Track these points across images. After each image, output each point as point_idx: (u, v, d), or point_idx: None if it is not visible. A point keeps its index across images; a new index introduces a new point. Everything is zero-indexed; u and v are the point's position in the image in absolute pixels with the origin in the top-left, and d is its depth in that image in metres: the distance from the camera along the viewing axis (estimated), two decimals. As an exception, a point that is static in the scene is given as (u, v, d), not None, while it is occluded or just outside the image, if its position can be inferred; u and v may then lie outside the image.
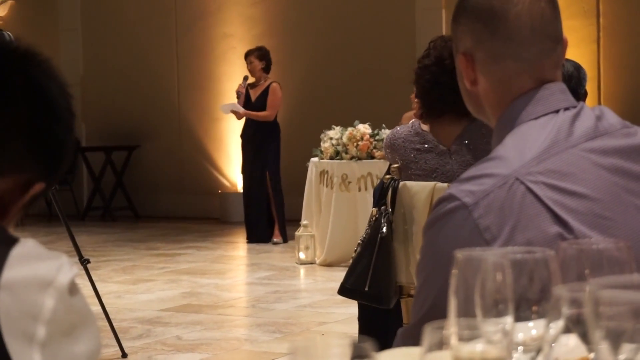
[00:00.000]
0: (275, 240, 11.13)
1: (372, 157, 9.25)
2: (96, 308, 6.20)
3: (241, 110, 11.08)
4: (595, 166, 1.87)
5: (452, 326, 1.10)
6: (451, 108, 4.24)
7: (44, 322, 1.37)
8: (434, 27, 11.75)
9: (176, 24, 14.41)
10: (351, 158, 9.29)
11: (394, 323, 4.26)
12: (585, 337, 1.22)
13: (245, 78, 11.36)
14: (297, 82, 13.01)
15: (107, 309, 6.18)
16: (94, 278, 6.20)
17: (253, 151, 11.20)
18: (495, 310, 1.20)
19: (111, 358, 6.04)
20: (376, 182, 8.45)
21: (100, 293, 6.20)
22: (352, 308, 5.66)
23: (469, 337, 1.10)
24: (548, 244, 1.63)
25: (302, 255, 9.55)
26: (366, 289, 4.15)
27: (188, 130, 14.36)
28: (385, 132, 9.03)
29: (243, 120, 11.36)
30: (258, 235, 11.21)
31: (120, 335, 6.12)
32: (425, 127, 4.40)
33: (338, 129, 9.51)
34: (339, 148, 9.35)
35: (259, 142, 11.14)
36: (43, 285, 1.38)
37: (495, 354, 1.11)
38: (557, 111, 1.94)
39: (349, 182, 9.21)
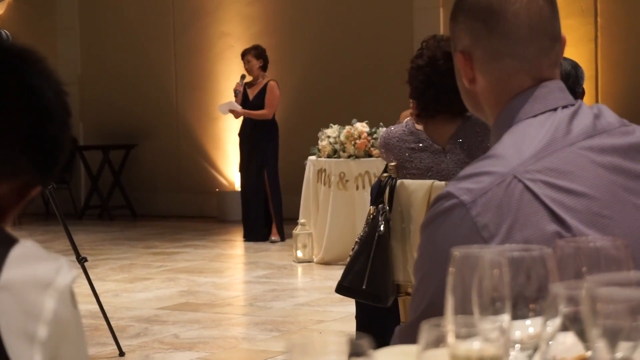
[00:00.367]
0: (273, 238, 11.14)
1: (370, 156, 9.25)
2: (94, 306, 6.20)
3: (239, 108, 11.08)
4: (593, 164, 1.87)
5: (449, 324, 1.10)
6: (445, 108, 4.25)
7: (45, 322, 1.37)
8: (431, 25, 11.76)
9: (174, 22, 14.41)
10: (349, 156, 9.29)
11: (391, 321, 4.26)
12: (582, 335, 1.22)
13: (243, 77, 11.36)
14: (295, 80, 13.01)
15: (105, 307, 6.18)
16: (91, 277, 6.20)
17: (251, 150, 11.20)
18: (492, 308, 1.20)
19: (109, 357, 6.04)
20: (374, 180, 8.45)
21: (97, 291, 6.20)
22: (349, 306, 5.67)
23: (466, 334, 1.10)
24: (546, 242, 1.63)
25: (299, 254, 9.54)
26: (364, 287, 4.15)
27: (186, 129, 14.36)
28: (383, 131, 9.03)
29: (241, 119, 11.37)
30: (255, 233, 11.21)
31: (117, 334, 6.12)
32: (419, 127, 4.40)
33: (336, 127, 9.51)
34: (337, 146, 9.35)
35: (257, 140, 11.14)
36: (42, 286, 1.38)
37: (493, 351, 1.11)
38: (555, 109, 1.94)
39: (347, 181, 9.21)
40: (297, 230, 9.56)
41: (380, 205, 4.13)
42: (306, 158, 9.72)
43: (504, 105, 1.99)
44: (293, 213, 10.40)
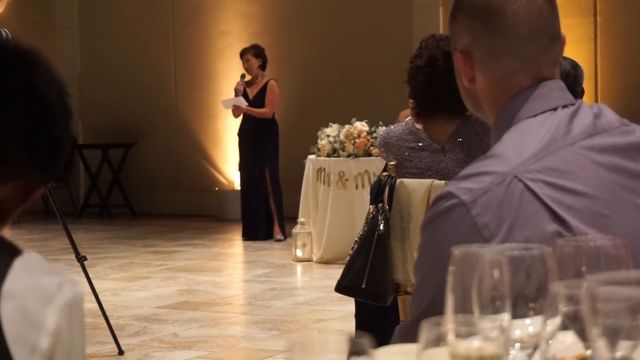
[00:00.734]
0: (277, 237, 11.14)
1: (370, 155, 9.25)
2: (93, 305, 6.20)
3: (244, 105, 11.07)
4: (593, 164, 1.87)
5: (449, 323, 1.10)
6: (445, 107, 4.26)
7: (47, 333, 1.38)
8: (431, 24, 11.76)
9: (173, 21, 14.41)
10: (348, 155, 9.29)
11: (391, 320, 4.26)
12: (582, 334, 1.22)
13: (243, 76, 11.36)
14: (295, 79, 13.00)
15: (104, 306, 6.18)
16: (90, 275, 6.20)
17: (252, 148, 11.20)
18: (492, 307, 1.20)
19: (108, 355, 6.04)
20: (373, 179, 8.45)
21: (97, 290, 6.20)
22: (349, 305, 5.67)
23: (466, 333, 1.10)
24: (546, 242, 1.63)
25: (299, 253, 9.55)
26: (363, 286, 4.15)
27: (185, 128, 14.36)
28: (382, 130, 9.03)
29: (240, 118, 11.37)
30: (255, 232, 11.21)
31: (116, 333, 6.12)
32: (419, 126, 4.40)
33: (335, 126, 9.51)
34: (336, 145, 9.35)
35: (258, 139, 11.14)
36: (45, 299, 1.39)
37: (492, 350, 1.11)
38: (555, 109, 1.94)
39: (346, 180, 9.21)
40: (297, 229, 9.56)
41: (379, 205, 4.13)
42: (305, 157, 9.72)
43: (503, 105, 1.99)
44: (292, 212, 10.40)
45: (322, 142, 9.46)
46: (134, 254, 10.44)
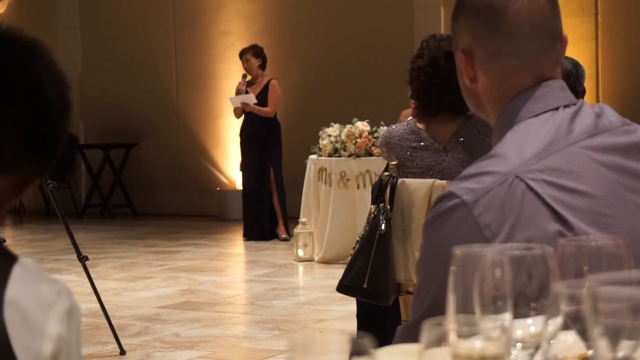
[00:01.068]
0: (282, 236, 11.14)
1: (371, 155, 9.25)
2: (94, 305, 6.20)
3: (252, 102, 11.07)
4: (595, 163, 1.87)
5: (450, 323, 1.10)
6: (447, 107, 4.26)
7: (50, 340, 1.38)
8: (432, 24, 11.76)
9: (174, 21, 14.41)
10: (349, 155, 9.29)
11: (392, 320, 4.26)
12: (583, 334, 1.22)
13: (244, 76, 11.35)
14: (296, 79, 13.00)
15: (106, 306, 6.18)
16: (92, 275, 6.20)
17: (255, 149, 11.20)
18: (493, 306, 1.20)
19: (109, 355, 6.04)
20: (374, 179, 8.45)
21: (98, 290, 6.20)
22: (350, 305, 5.67)
23: (467, 333, 1.10)
24: (548, 242, 1.62)
25: (300, 253, 9.55)
26: (365, 286, 4.15)
27: (186, 128, 14.36)
28: (383, 130, 9.03)
29: (241, 118, 11.37)
30: (258, 232, 11.21)
31: (118, 333, 6.12)
32: (420, 125, 4.40)
33: (336, 126, 9.50)
34: (338, 145, 9.35)
35: (262, 139, 11.15)
36: (45, 306, 1.40)
37: (494, 350, 1.11)
38: (556, 109, 1.94)
39: (348, 180, 9.21)
40: (298, 229, 9.56)
41: (381, 204, 4.13)
42: (307, 157, 9.72)
43: (505, 105, 1.98)
44: (294, 212, 10.40)
45: (324, 142, 9.46)
46: (136, 254, 10.45)
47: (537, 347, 1.26)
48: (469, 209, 1.82)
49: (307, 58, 13.15)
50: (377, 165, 8.95)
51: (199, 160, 14.25)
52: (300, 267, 9.35)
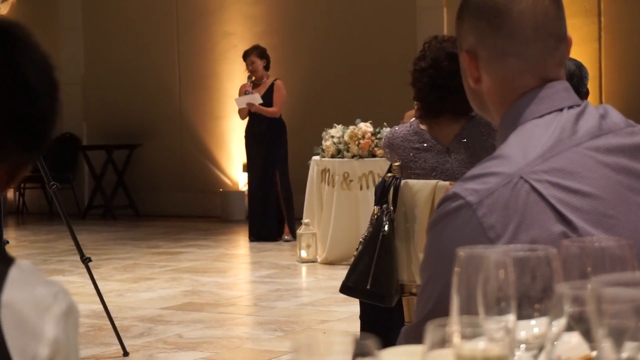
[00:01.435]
0: (286, 237, 11.14)
1: (374, 156, 9.25)
2: (97, 306, 6.20)
3: (258, 102, 11.07)
4: (599, 165, 1.87)
5: (454, 324, 1.10)
6: (450, 108, 4.25)
7: (46, 343, 1.37)
8: (435, 25, 11.76)
9: (177, 22, 14.42)
10: (353, 156, 9.29)
11: (395, 321, 4.26)
12: (587, 335, 1.22)
13: (250, 77, 11.34)
14: (299, 80, 13.01)
15: (109, 307, 6.18)
16: (95, 276, 6.20)
17: (261, 150, 11.19)
18: (497, 308, 1.20)
19: (112, 356, 6.04)
20: (378, 180, 8.45)
21: (101, 291, 6.20)
22: (353, 306, 5.66)
23: (471, 335, 1.10)
24: (552, 243, 1.62)
25: (303, 254, 9.55)
26: (368, 287, 4.15)
27: (189, 129, 14.37)
28: (386, 131, 9.03)
29: (246, 120, 11.36)
30: (264, 233, 11.20)
31: (121, 334, 6.12)
32: (423, 127, 4.40)
33: (339, 127, 9.51)
34: (341, 146, 9.35)
35: (268, 140, 11.15)
36: (42, 309, 1.38)
37: (498, 352, 1.11)
38: (561, 109, 1.94)
39: (351, 181, 9.21)
40: (301, 230, 9.56)
41: (384, 205, 4.13)
42: (310, 158, 9.72)
43: (509, 105, 1.98)
44: (297, 213, 10.41)
45: (327, 143, 9.46)
46: (139, 255, 10.45)
47: (540, 348, 1.26)
48: (473, 209, 1.82)
49: (310, 59, 13.15)
50: (380, 166, 8.95)
51: (202, 161, 14.25)
52: (304, 268, 9.35)
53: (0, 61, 1.46)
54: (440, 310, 1.75)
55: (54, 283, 1.43)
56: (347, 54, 12.92)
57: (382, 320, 4.45)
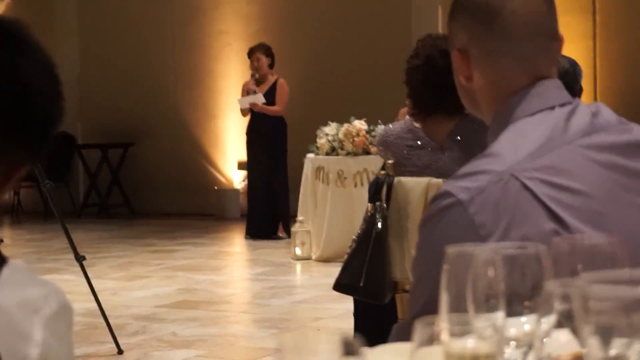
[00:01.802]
0: (281, 235, 11.12)
1: (368, 153, 9.25)
2: (92, 305, 6.20)
3: (261, 102, 11.06)
4: (590, 162, 1.87)
5: (443, 322, 1.10)
6: (443, 106, 4.25)
7: (37, 344, 1.37)
8: (430, 24, 11.76)
9: (172, 21, 14.41)
10: (347, 154, 9.29)
11: (389, 318, 4.26)
12: (577, 332, 1.22)
13: (254, 75, 11.32)
14: (293, 79, 12.99)
15: (103, 305, 6.18)
16: (90, 275, 6.20)
17: (265, 146, 11.17)
18: (486, 305, 1.20)
19: (107, 354, 6.04)
20: (372, 177, 8.45)
21: (96, 290, 6.20)
22: (348, 303, 5.66)
23: (460, 332, 1.10)
24: (543, 240, 1.62)
25: (298, 251, 9.55)
26: (361, 284, 4.15)
27: (184, 127, 14.36)
28: (381, 128, 9.04)
29: (248, 117, 11.35)
30: (261, 231, 11.18)
31: (116, 332, 6.12)
32: (417, 124, 4.40)
33: (334, 125, 9.51)
34: (335, 144, 9.35)
35: (272, 137, 11.14)
36: (31, 311, 1.37)
37: (487, 349, 1.11)
38: (552, 107, 1.94)
39: (345, 178, 9.22)
40: (296, 227, 9.57)
41: (377, 203, 4.13)
42: (304, 155, 9.72)
43: (501, 104, 1.99)
44: (292, 210, 10.41)
45: (321, 141, 9.47)
46: (133, 253, 10.45)
47: (530, 346, 1.26)
48: (464, 207, 1.82)
49: (305, 58, 13.15)
50: (374, 163, 8.95)
51: (197, 159, 14.25)
52: (298, 266, 9.36)
53: (5, 64, 1.44)
54: (432, 307, 1.74)
55: (46, 284, 1.42)
56: (342, 53, 12.92)
57: (376, 317, 4.45)
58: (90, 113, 15.04)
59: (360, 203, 8.67)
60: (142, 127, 14.62)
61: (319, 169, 9.38)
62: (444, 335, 1.09)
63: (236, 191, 13.66)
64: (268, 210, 11.23)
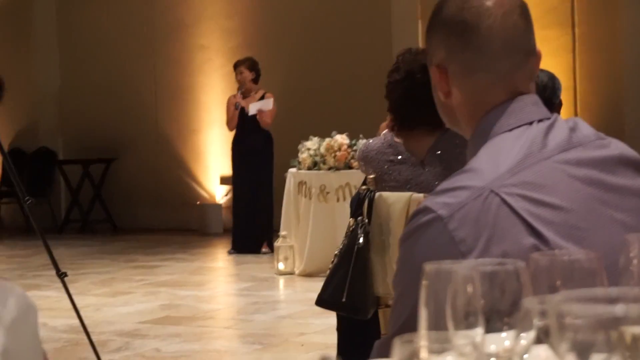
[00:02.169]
0: (264, 250, 11.09)
1: (350, 168, 9.26)
2: (74, 321, 6.17)
3: (268, 107, 11.06)
4: (569, 177, 1.88)
5: (422, 339, 1.11)
6: (424, 121, 4.26)
7: None
8: (410, 37, 11.78)
9: (153, 36, 14.40)
10: (329, 168, 9.30)
11: (372, 333, 4.26)
12: (554, 349, 1.22)
13: (240, 89, 11.33)
14: (274, 93, 12.96)
15: (86, 322, 6.14)
16: (72, 291, 6.16)
17: (252, 161, 11.15)
18: (466, 322, 1.20)
19: (90, 371, 6.02)
20: (354, 192, 8.46)
21: (78, 306, 6.16)
22: (331, 318, 5.66)
23: (439, 349, 1.11)
24: (523, 256, 1.63)
25: (281, 266, 9.54)
26: (343, 299, 4.15)
27: (166, 142, 14.35)
28: (362, 143, 9.05)
29: (233, 131, 11.34)
30: (246, 245, 11.15)
31: (99, 349, 6.09)
32: (398, 139, 4.41)
33: (316, 139, 9.51)
34: (317, 159, 9.36)
35: (259, 152, 11.14)
36: None
37: (466, 366, 1.12)
38: (530, 123, 1.95)
39: (327, 193, 9.22)
40: (279, 242, 9.56)
41: (359, 218, 4.14)
42: (286, 170, 9.73)
43: (479, 119, 2.00)
44: (274, 225, 10.40)
45: (303, 156, 9.47)
46: (116, 269, 10.42)
47: (511, 362, 1.27)
48: (444, 223, 1.83)
49: (286, 73, 13.16)
50: (356, 178, 8.95)
51: (179, 174, 14.23)
52: (281, 281, 9.35)
53: None
54: (413, 323, 1.75)
55: (6, 288, 1.39)
56: (323, 67, 12.94)
57: (359, 332, 4.45)
58: (71, 128, 15.01)
59: (342, 217, 8.66)
60: (124, 142, 14.60)
61: (301, 184, 9.38)
62: (423, 353, 1.09)
63: (219, 206, 13.64)
64: (254, 225, 11.21)
